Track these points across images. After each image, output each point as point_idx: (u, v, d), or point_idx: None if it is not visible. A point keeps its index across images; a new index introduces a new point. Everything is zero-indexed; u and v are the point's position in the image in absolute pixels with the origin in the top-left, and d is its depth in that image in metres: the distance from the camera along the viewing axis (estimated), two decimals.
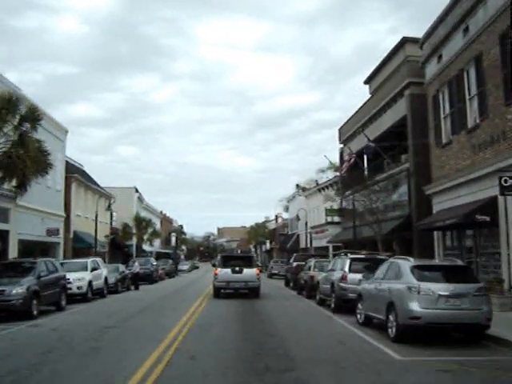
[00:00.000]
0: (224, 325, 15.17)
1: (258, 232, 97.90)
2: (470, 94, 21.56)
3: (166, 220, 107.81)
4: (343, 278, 18.38)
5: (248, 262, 26.75)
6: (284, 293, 30.95)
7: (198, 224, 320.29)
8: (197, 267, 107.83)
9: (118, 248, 56.83)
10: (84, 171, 54.80)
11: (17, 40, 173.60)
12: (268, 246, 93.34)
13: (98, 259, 28.61)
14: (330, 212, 44.00)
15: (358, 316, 15.70)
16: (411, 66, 29.67)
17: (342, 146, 43.91)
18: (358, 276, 17.99)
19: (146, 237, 55.79)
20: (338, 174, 56.39)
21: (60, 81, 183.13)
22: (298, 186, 79.74)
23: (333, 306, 19.14)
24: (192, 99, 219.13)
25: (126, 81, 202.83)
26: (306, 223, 51.99)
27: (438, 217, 23.13)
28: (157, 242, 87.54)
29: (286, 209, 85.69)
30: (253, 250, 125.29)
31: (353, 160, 35.51)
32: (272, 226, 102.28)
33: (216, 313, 18.69)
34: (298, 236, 65.09)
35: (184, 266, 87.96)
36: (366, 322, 15.20)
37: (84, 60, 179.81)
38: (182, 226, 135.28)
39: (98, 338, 12.68)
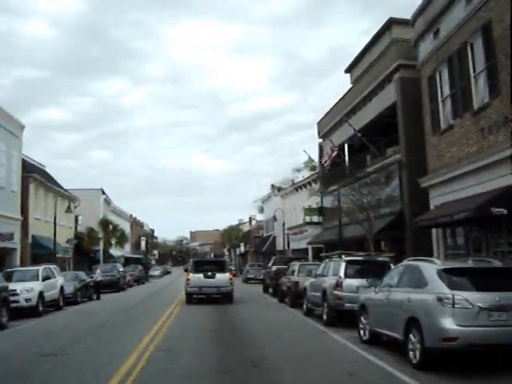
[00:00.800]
0: (195, 349, 11.95)
1: (232, 235, 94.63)
2: (475, 71, 18.79)
3: (136, 224, 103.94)
4: (338, 285, 15.40)
5: (221, 266, 26.39)
6: (264, 300, 27.92)
7: (170, 228, 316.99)
8: (169, 272, 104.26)
9: (84, 254, 53.24)
10: (45, 171, 51.10)
11: None
12: (242, 249, 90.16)
13: (53, 266, 25.18)
14: (308, 211, 41.02)
15: (361, 332, 12.74)
16: (400, 47, 26.97)
17: (321, 140, 41.11)
18: (356, 282, 15.13)
19: (113, 241, 52.17)
20: (314, 172, 53.86)
21: (29, 85, 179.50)
22: (273, 186, 76.95)
23: (325, 317, 16.14)
24: (164, 102, 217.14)
25: (96, 84, 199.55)
26: (284, 224, 49.02)
27: (441, 211, 20.27)
28: (127, 247, 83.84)
29: (261, 210, 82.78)
30: (227, 253, 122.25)
31: (335, 153, 32.67)
32: (246, 228, 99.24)
33: (187, 329, 15.51)
34: (275, 238, 62.13)
35: (155, 271, 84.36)
36: (371, 340, 12.26)
37: (53, 64, 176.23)
38: (153, 231, 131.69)
39: (20, 376, 9.46)
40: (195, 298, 25.44)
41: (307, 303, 19.04)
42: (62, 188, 50.45)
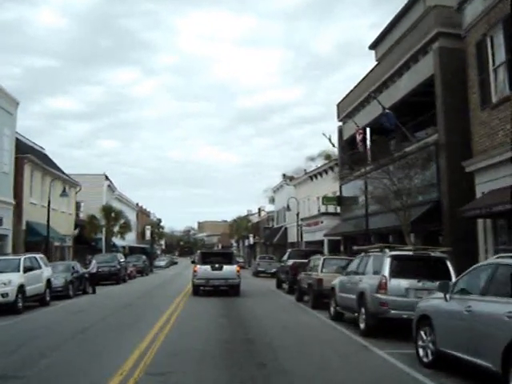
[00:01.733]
0: (200, 375, 8.76)
1: (241, 225, 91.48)
2: None
3: (142, 213, 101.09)
4: (381, 287, 12.13)
5: (228, 258, 26.31)
6: (278, 298, 24.76)
7: (178, 218, 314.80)
8: (175, 263, 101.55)
9: (85, 243, 50.28)
10: (44, 154, 48.19)
11: None
12: (251, 240, 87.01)
13: (38, 256, 22.04)
14: (327, 200, 37.71)
15: (421, 352, 9.54)
16: (439, 13, 23.57)
17: (340, 123, 37.82)
18: (405, 283, 11.96)
19: (115, 229, 49.11)
20: (329, 160, 50.56)
21: (39, 74, 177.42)
22: (284, 175, 73.84)
23: (363, 326, 12.93)
24: (173, 93, 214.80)
25: (106, 74, 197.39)
26: (298, 214, 45.76)
27: (492, 199, 17.01)
28: (132, 236, 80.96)
29: (272, 200, 79.63)
30: (235, 245, 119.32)
31: (360, 136, 29.39)
32: (255, 219, 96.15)
33: (190, 341, 12.27)
34: (286, 229, 58.91)
35: (161, 261, 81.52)
36: (436, 363, 9.07)
37: (64, 53, 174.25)
38: (160, 220, 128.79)
39: None
40: (202, 289, 25.25)
41: (335, 306, 15.86)
42: (62, 172, 47.49)
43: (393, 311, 11.86)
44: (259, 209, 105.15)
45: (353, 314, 14.08)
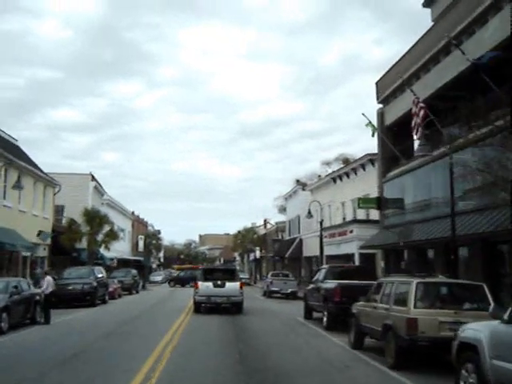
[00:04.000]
0: None
1: (247, 237, 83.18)
2: None
3: (139, 222, 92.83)
4: None
5: (231, 275, 25.89)
6: (317, 343, 16.01)
7: (179, 231, 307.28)
8: None
9: (65, 253, 42.15)
10: (17, 146, 40.28)
11: None
12: (258, 254, 78.71)
13: None
14: (363, 202, 29.38)
15: None
16: None
17: (381, 105, 29.90)
18: None
19: (99, 238, 40.90)
20: (343, 165, 42.52)
21: (42, 85, 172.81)
22: (298, 181, 65.95)
23: None
24: (176, 106, 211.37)
25: (110, 86, 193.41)
26: (321, 222, 37.47)
27: None
28: (125, 247, 72.84)
29: (283, 210, 71.55)
30: (238, 259, 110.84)
31: (423, 112, 21.32)
32: (261, 231, 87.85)
33: None
34: (301, 241, 50.64)
35: (157, 276, 73.40)
36: None
37: (67, 64, 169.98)
38: (159, 231, 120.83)
39: None
40: (203, 306, 24.45)
41: (479, 373, 7.71)
42: (38, 169, 39.50)
43: None
44: (265, 220, 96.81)
45: None
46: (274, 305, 31.43)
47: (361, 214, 36.33)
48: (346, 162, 52.97)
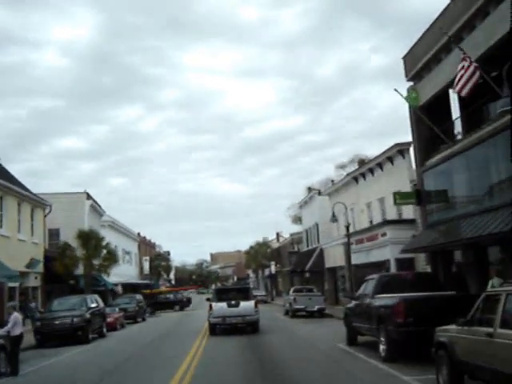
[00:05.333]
0: None
1: (260, 252, 78.55)
2: None
3: (146, 244, 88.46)
4: None
5: (244, 294, 25.47)
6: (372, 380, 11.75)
7: (190, 252, 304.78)
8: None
9: (61, 281, 37.70)
10: None
11: (1, 76, 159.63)
12: (273, 269, 74.00)
13: None
14: (400, 198, 24.60)
15: None
16: None
17: (411, 83, 25.40)
18: None
19: (96, 262, 36.39)
20: (358, 167, 37.82)
21: (45, 115, 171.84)
22: (310, 188, 61.46)
23: None
24: (179, 127, 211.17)
25: (112, 112, 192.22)
26: (348, 226, 32.73)
27: None
28: (131, 271, 68.40)
29: (298, 220, 66.95)
30: (252, 275, 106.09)
31: (477, 74, 16.85)
32: (275, 245, 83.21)
33: None
34: (322, 251, 45.90)
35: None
36: None
37: (68, 93, 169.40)
38: (168, 253, 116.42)
39: None
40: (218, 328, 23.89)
41: None
42: (23, 188, 35.18)
43: None
44: (277, 233, 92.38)
45: None
46: (302, 326, 26.75)
47: (392, 214, 31.71)
48: (362, 163, 48.45)
